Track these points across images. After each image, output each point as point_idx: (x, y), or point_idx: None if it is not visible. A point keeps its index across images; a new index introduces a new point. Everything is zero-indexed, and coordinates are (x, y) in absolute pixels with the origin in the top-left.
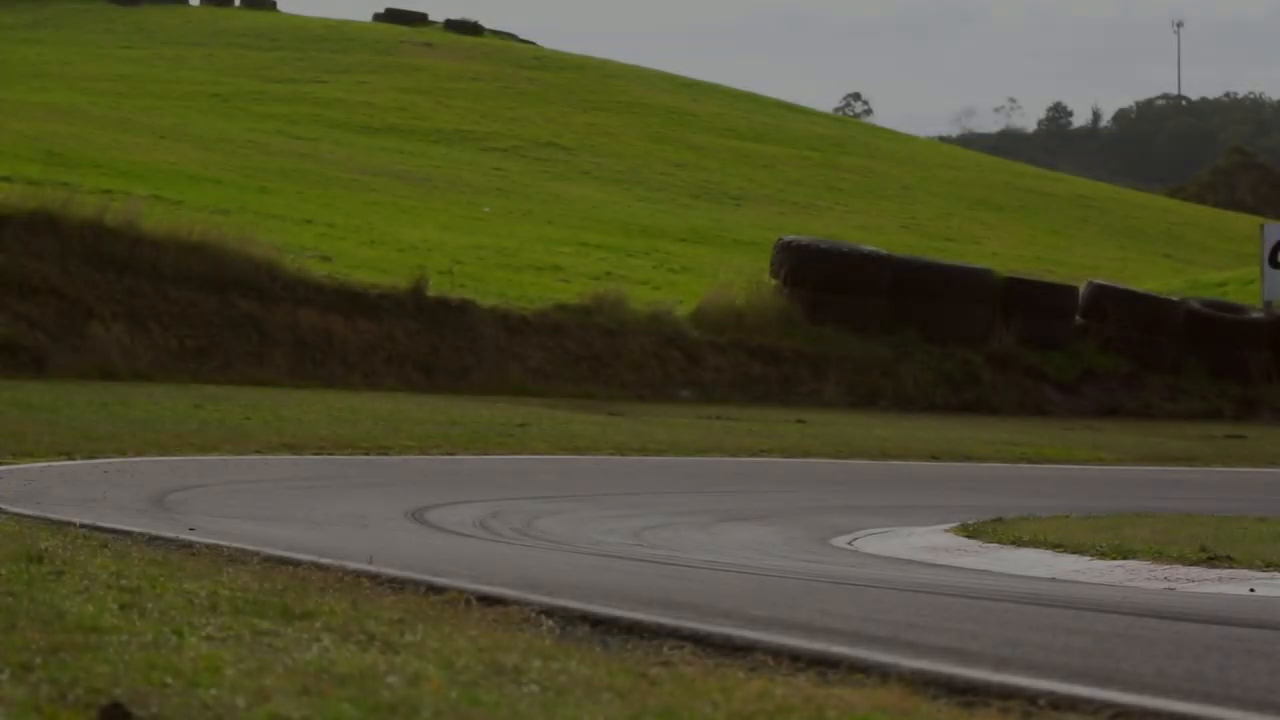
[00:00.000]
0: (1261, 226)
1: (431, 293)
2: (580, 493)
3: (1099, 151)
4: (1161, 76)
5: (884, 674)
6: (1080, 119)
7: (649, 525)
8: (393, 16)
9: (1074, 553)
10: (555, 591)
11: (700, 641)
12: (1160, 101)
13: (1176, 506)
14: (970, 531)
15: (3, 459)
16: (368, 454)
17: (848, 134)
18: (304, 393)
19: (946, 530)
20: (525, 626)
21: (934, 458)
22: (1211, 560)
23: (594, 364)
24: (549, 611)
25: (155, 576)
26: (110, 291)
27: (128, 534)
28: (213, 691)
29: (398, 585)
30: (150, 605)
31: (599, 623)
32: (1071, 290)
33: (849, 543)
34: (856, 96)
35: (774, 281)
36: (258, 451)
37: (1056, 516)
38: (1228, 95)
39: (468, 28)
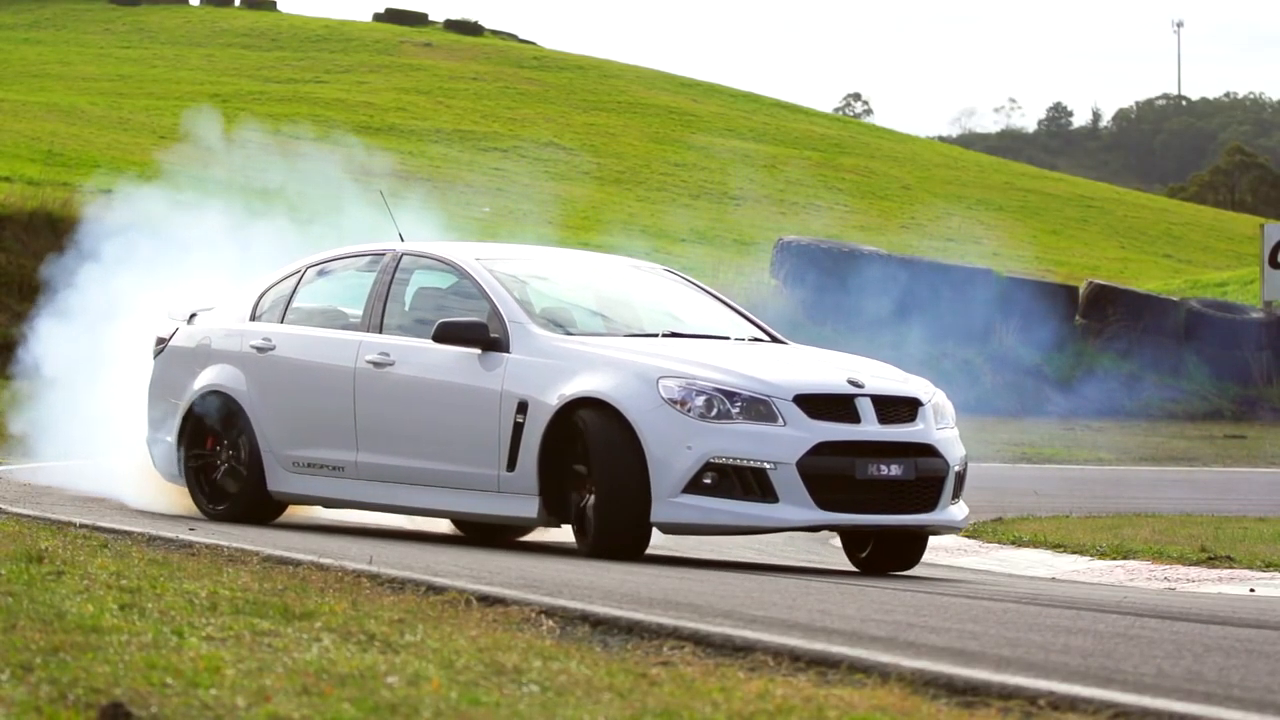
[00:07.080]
0: (1261, 226)
1: None
2: None
3: (1099, 151)
4: (1161, 76)
5: (884, 674)
6: (1080, 119)
7: None
8: (393, 16)
9: (1074, 553)
10: (555, 591)
11: (700, 641)
12: (1160, 101)
13: (1176, 506)
14: (970, 531)
15: (2, 459)
16: None
17: (848, 134)
18: None
19: None
20: (525, 626)
21: None
22: (1211, 560)
23: None
24: (549, 611)
25: (155, 576)
26: None
27: (128, 534)
28: (213, 691)
29: (398, 585)
30: (150, 605)
31: (599, 623)
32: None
33: None
34: (856, 96)
35: (774, 281)
36: None
37: (1056, 516)
38: (1228, 95)
39: (468, 28)
